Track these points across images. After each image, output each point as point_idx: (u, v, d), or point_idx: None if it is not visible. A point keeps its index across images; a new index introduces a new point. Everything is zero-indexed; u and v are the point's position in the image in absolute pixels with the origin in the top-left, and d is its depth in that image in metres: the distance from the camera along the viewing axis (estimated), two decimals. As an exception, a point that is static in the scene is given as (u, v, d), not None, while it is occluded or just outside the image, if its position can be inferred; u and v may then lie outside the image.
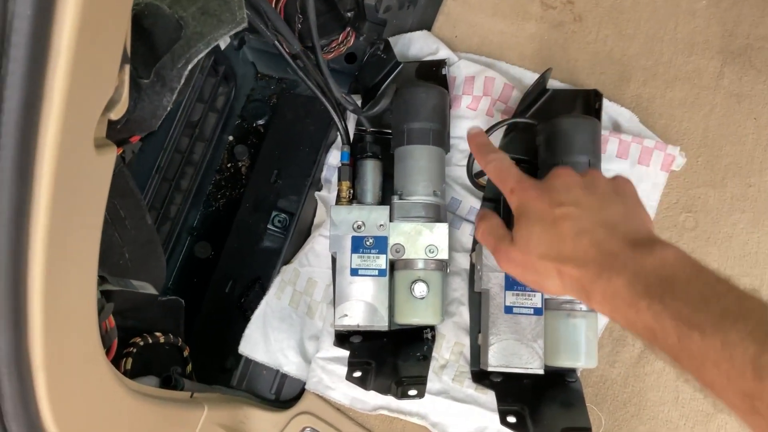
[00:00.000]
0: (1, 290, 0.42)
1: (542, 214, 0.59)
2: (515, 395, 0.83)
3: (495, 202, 0.89)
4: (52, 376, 0.49)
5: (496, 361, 0.81)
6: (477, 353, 0.87)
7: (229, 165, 1.14)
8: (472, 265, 0.89)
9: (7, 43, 0.33)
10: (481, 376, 0.86)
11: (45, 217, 0.40)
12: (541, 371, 0.81)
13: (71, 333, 0.50)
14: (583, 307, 0.81)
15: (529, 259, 0.59)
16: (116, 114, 0.44)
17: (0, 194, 0.37)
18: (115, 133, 0.53)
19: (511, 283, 0.82)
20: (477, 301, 0.87)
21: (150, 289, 0.65)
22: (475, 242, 0.90)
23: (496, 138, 0.92)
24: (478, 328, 0.86)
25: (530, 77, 0.96)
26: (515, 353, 0.81)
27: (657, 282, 0.50)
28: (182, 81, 0.50)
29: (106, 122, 0.45)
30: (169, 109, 0.51)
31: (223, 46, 1.02)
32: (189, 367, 0.89)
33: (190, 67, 0.50)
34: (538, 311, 0.82)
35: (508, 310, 0.82)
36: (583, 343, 0.81)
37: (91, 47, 0.37)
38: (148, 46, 0.50)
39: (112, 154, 0.45)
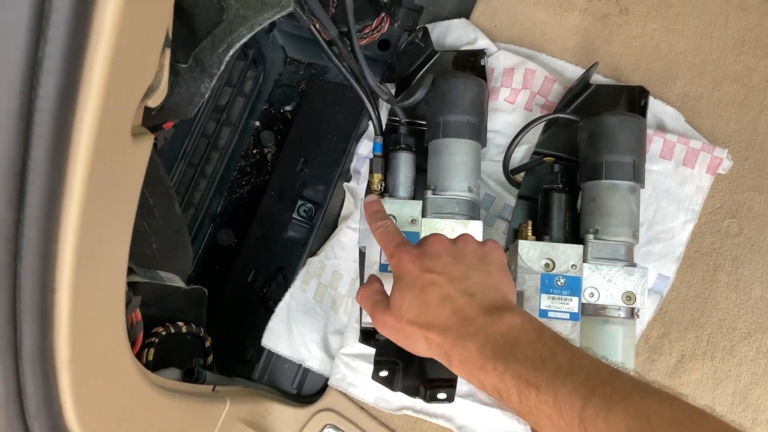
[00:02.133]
0: (29, 282, 0.40)
1: (413, 280, 0.62)
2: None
3: (531, 200, 0.86)
4: (77, 372, 0.46)
5: None
6: None
7: (254, 151, 1.11)
8: (507, 264, 0.85)
9: (45, 22, 0.30)
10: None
11: (77, 209, 0.37)
12: None
13: (98, 328, 0.48)
14: (622, 313, 0.78)
15: (400, 325, 0.61)
16: (155, 101, 0.41)
17: (32, 185, 0.34)
18: (150, 119, 0.50)
19: (547, 286, 0.79)
20: None
21: (178, 282, 0.63)
22: (508, 241, 0.87)
23: (535, 133, 0.89)
24: None
25: (572, 70, 0.92)
26: None
27: (503, 346, 0.54)
28: (222, 67, 0.47)
29: (143, 109, 0.42)
30: (207, 95, 0.49)
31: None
32: (210, 359, 0.87)
33: (231, 52, 0.47)
34: (574, 316, 0.78)
35: (543, 313, 0.79)
36: (620, 351, 0.78)
37: (135, 29, 0.34)
38: (188, 28, 0.47)
39: (148, 143, 0.43)
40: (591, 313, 0.79)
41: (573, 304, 0.79)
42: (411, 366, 0.81)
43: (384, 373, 0.80)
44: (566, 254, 0.79)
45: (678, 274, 0.87)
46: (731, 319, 0.86)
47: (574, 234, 0.82)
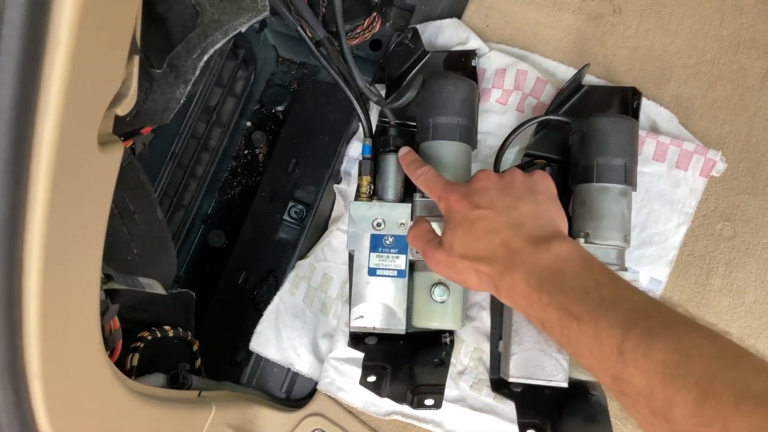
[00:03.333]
0: (-5, 296, 0.39)
1: (462, 217, 0.65)
2: (536, 407, 0.80)
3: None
4: (50, 384, 0.46)
5: (517, 371, 0.77)
6: (497, 361, 0.83)
7: (246, 152, 1.10)
8: None
9: (-2, 34, 0.29)
10: (500, 385, 0.83)
11: (42, 219, 0.36)
12: (564, 384, 0.77)
13: (71, 338, 0.47)
14: None
15: (452, 260, 0.64)
16: (123, 109, 0.40)
17: (-8, 198, 0.33)
18: (124, 125, 0.49)
19: None
20: (499, 306, 0.83)
21: (158, 289, 0.62)
22: None
23: (526, 135, 0.87)
24: (499, 334, 0.83)
25: (564, 71, 0.91)
26: (538, 364, 0.77)
27: (548, 277, 0.56)
28: (197, 73, 0.46)
29: (113, 117, 0.41)
30: (182, 101, 0.48)
31: (243, 29, 0.98)
32: (198, 362, 0.86)
33: (206, 58, 0.46)
34: None
35: None
36: None
37: (94, 38, 0.33)
38: (162, 34, 0.46)
39: (117, 152, 0.42)
40: None
41: None
42: (399, 371, 0.80)
43: (372, 379, 0.79)
44: None
45: (671, 277, 0.86)
46: (724, 324, 0.85)
47: None
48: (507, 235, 0.61)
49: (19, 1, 0.28)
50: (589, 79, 0.89)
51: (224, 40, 0.46)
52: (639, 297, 0.51)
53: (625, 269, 0.77)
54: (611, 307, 0.50)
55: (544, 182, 0.68)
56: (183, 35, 0.46)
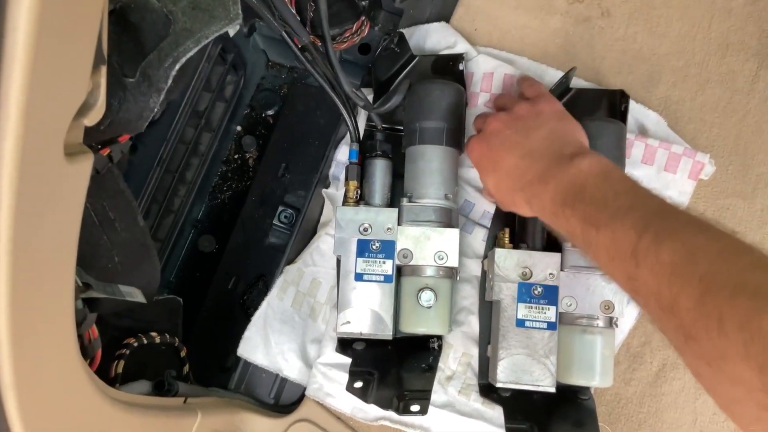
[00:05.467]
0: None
1: (486, 164, 0.73)
2: (525, 412, 0.79)
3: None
4: (24, 394, 0.46)
5: (505, 377, 0.77)
6: (486, 365, 0.83)
7: (236, 156, 1.10)
8: (484, 273, 0.84)
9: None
10: (489, 390, 0.82)
11: (6, 231, 0.36)
12: (552, 389, 0.76)
13: (44, 348, 0.47)
14: (600, 322, 0.77)
15: (499, 199, 0.73)
16: (91, 120, 0.40)
17: (-48, 211, 0.33)
18: (99, 134, 0.49)
19: (524, 295, 0.78)
20: (488, 311, 0.83)
21: (138, 297, 0.62)
22: (487, 248, 0.85)
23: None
24: (487, 339, 0.82)
25: (553, 75, 0.91)
26: (526, 369, 0.77)
27: (571, 192, 0.60)
28: (170, 81, 0.46)
29: (82, 128, 0.41)
30: (156, 110, 0.48)
31: (232, 34, 0.97)
32: (186, 368, 0.86)
33: (177, 66, 0.46)
34: (551, 326, 0.77)
35: (520, 323, 0.78)
36: (598, 361, 0.77)
37: (54, 48, 0.33)
38: (135, 42, 0.46)
39: (87, 161, 0.42)
40: (569, 322, 0.78)
41: (550, 314, 0.77)
42: (387, 377, 0.80)
43: (358, 384, 0.79)
44: (544, 262, 0.78)
45: (660, 281, 0.85)
46: (714, 328, 0.84)
47: (552, 242, 0.81)
48: (528, 164, 0.67)
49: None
50: (577, 82, 0.89)
51: (196, 49, 0.46)
52: (654, 202, 0.55)
53: None
54: (627, 213, 0.54)
55: (550, 105, 0.73)
56: (155, 44, 0.46)
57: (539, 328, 0.77)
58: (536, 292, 0.78)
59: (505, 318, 0.78)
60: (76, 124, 0.39)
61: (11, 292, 0.39)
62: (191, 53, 0.46)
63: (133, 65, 0.46)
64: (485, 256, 0.85)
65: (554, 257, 0.78)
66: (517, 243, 0.81)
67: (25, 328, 0.43)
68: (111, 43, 0.43)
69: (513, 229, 0.82)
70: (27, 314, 0.42)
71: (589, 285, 0.77)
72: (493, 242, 0.84)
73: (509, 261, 0.79)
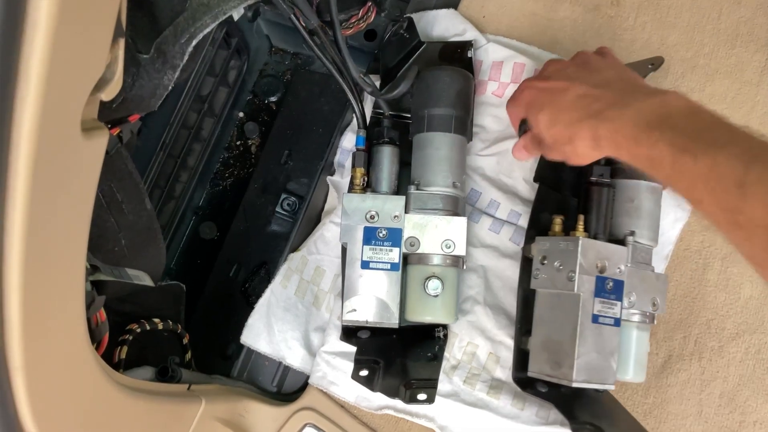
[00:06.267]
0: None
1: (543, 97, 0.68)
2: (578, 409, 0.76)
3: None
4: (33, 376, 0.45)
5: (581, 376, 0.71)
6: (523, 358, 0.78)
7: (238, 143, 1.09)
8: (526, 258, 0.80)
9: (-27, 12, 0.28)
10: (526, 384, 0.79)
11: (22, 208, 0.35)
12: (613, 388, 0.74)
13: (54, 330, 0.46)
14: (636, 317, 0.76)
15: (553, 133, 0.67)
16: (108, 95, 0.39)
17: (-32, 185, 0.32)
18: (111, 112, 0.48)
19: (599, 290, 0.73)
20: (526, 298, 0.79)
21: (146, 280, 0.61)
22: (530, 235, 0.80)
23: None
24: (524, 330, 0.78)
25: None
26: (596, 367, 0.72)
27: (656, 118, 0.56)
28: (185, 58, 0.45)
29: (98, 103, 0.40)
30: (170, 88, 0.46)
31: (236, 18, 0.96)
32: (188, 355, 0.85)
33: (194, 42, 0.45)
34: (617, 322, 0.74)
35: (595, 319, 0.73)
36: (633, 355, 0.76)
37: (76, 19, 0.32)
38: (150, 18, 0.45)
39: (102, 138, 0.40)
40: (625, 318, 0.75)
41: (617, 310, 0.74)
42: (392, 365, 0.79)
43: (364, 373, 0.78)
44: (616, 256, 0.75)
45: (667, 272, 0.85)
46: (720, 320, 0.84)
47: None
48: (600, 93, 0.63)
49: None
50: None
51: (213, 25, 0.45)
52: (754, 138, 0.52)
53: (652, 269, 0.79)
54: (727, 145, 0.50)
55: (616, 59, 0.71)
56: (171, 20, 0.45)
57: (609, 324, 0.74)
58: (609, 286, 0.74)
59: (584, 314, 0.72)
60: (93, 98, 0.38)
61: (24, 270, 0.38)
62: (208, 29, 0.45)
63: (148, 41, 0.45)
64: (527, 242, 0.80)
65: (623, 251, 0.75)
66: (593, 234, 0.77)
67: (35, 309, 0.42)
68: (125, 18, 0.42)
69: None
70: (38, 295, 0.41)
71: (644, 280, 0.76)
72: (536, 228, 0.80)
73: (591, 252, 0.73)
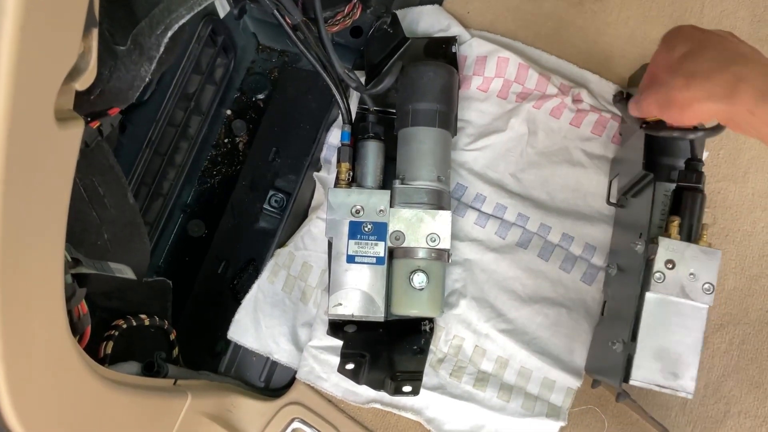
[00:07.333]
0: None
1: (680, 42, 0.63)
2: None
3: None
4: (12, 368, 0.45)
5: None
6: (627, 363, 0.72)
7: (226, 140, 1.09)
8: (648, 261, 0.72)
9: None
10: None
11: (-4, 196, 0.35)
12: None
13: (33, 322, 0.46)
14: None
15: (689, 83, 0.60)
16: (82, 84, 0.39)
17: (-61, 172, 0.32)
18: (89, 105, 0.48)
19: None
20: (636, 304, 0.72)
21: (129, 274, 0.61)
22: (652, 230, 0.75)
23: (518, 157, 0.87)
24: (632, 335, 0.72)
25: (546, 58, 0.91)
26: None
27: None
28: (161, 50, 0.45)
29: (73, 93, 0.40)
30: (147, 80, 0.47)
31: (222, 15, 0.97)
32: (175, 351, 0.85)
33: (170, 34, 0.45)
34: None
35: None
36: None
37: (45, 8, 0.32)
38: (126, 10, 0.45)
39: (77, 128, 0.41)
40: None
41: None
42: (378, 359, 0.80)
43: (350, 366, 0.79)
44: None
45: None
46: (704, 311, 0.85)
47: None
48: (739, 41, 0.60)
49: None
50: (571, 67, 0.89)
51: (189, 16, 0.45)
52: None
53: None
54: None
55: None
56: (147, 11, 0.45)
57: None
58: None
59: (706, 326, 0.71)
60: (67, 88, 0.39)
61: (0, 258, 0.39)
62: (184, 20, 0.45)
63: (124, 33, 0.45)
64: (650, 241, 0.73)
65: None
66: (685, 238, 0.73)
67: (13, 301, 0.42)
68: (101, 10, 0.42)
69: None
70: (15, 285, 0.42)
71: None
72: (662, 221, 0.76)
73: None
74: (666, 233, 0.72)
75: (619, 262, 0.81)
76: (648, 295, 0.71)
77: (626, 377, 0.71)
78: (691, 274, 0.70)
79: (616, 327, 0.77)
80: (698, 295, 0.70)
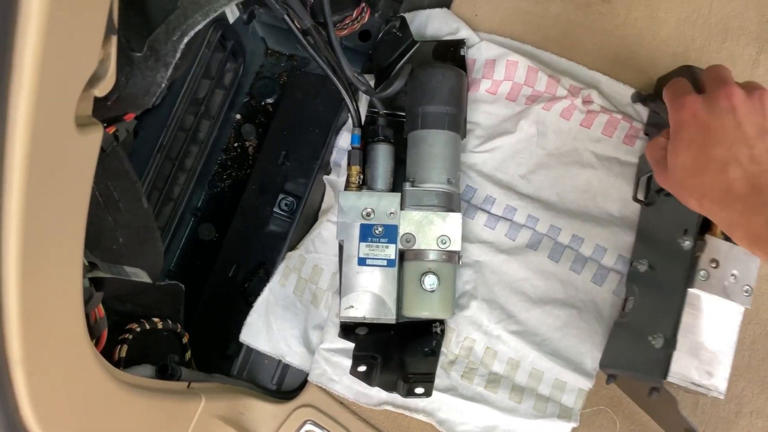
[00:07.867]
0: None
1: (692, 136, 0.58)
2: None
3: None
4: (33, 371, 0.45)
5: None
6: (665, 359, 0.71)
7: (235, 144, 1.10)
8: (694, 258, 0.72)
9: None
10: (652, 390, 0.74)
11: (18, 203, 0.36)
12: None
13: (53, 325, 0.47)
14: None
15: (673, 185, 0.60)
16: (101, 90, 0.40)
17: (-36, 178, 0.33)
18: (106, 110, 0.49)
19: None
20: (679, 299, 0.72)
21: (144, 277, 0.62)
22: (696, 226, 0.73)
23: (527, 159, 0.87)
24: (673, 332, 0.71)
25: (556, 61, 0.91)
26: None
27: None
28: (177, 56, 0.46)
29: (92, 99, 0.41)
30: (163, 86, 0.47)
31: (231, 21, 0.98)
32: (188, 355, 0.86)
33: (186, 40, 0.46)
34: None
35: None
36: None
37: (68, 16, 0.32)
38: (142, 16, 0.46)
39: (97, 134, 0.41)
40: None
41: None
42: (390, 361, 0.80)
43: (362, 368, 0.79)
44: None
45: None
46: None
47: None
48: (751, 170, 0.54)
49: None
50: (579, 69, 0.89)
51: (204, 22, 0.46)
52: None
53: None
54: None
55: None
56: (163, 18, 0.46)
57: None
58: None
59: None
60: (87, 94, 0.39)
61: (21, 264, 0.39)
62: (200, 26, 0.46)
63: (140, 39, 0.46)
64: (697, 238, 0.72)
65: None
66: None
67: (34, 304, 0.43)
68: (117, 17, 0.43)
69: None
70: (36, 289, 0.42)
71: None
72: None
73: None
74: (710, 232, 0.72)
75: (651, 258, 0.80)
76: (690, 292, 0.71)
77: (665, 373, 0.70)
78: (733, 275, 0.71)
79: (651, 322, 0.76)
80: (738, 296, 0.71)
